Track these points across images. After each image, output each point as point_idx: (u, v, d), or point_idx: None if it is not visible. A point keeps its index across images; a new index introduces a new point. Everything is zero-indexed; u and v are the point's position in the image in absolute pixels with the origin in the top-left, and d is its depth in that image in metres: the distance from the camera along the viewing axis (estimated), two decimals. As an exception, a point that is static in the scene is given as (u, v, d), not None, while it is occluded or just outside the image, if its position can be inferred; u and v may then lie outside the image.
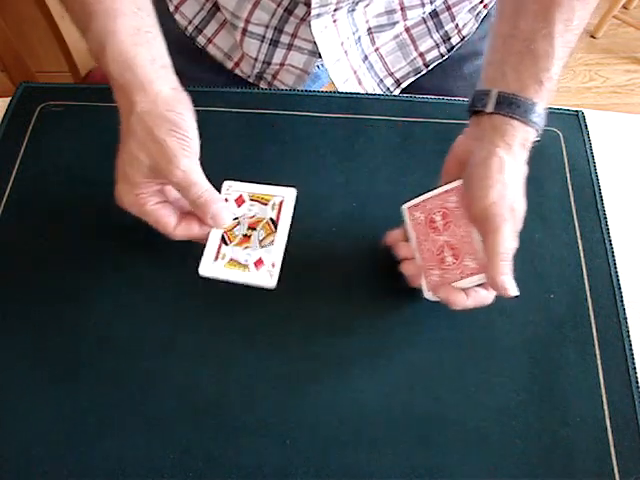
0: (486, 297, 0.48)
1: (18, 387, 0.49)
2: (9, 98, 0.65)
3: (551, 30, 0.48)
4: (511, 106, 0.47)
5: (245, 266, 0.48)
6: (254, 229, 0.49)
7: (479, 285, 0.48)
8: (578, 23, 0.49)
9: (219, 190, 0.49)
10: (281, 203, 0.49)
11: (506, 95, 0.48)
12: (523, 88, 0.48)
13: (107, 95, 0.65)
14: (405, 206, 0.51)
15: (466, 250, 0.47)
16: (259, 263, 0.48)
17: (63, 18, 0.87)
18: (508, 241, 0.46)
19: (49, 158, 0.60)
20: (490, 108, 0.48)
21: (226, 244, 0.49)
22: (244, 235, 0.49)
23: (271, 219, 0.49)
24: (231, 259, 0.48)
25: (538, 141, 0.50)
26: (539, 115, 0.48)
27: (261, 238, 0.48)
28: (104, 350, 0.51)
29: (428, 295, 0.49)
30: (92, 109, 0.64)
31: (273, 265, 0.47)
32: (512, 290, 0.45)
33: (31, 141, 0.61)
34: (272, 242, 0.48)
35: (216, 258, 0.48)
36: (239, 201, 0.50)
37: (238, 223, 0.49)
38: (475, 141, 0.49)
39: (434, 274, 0.48)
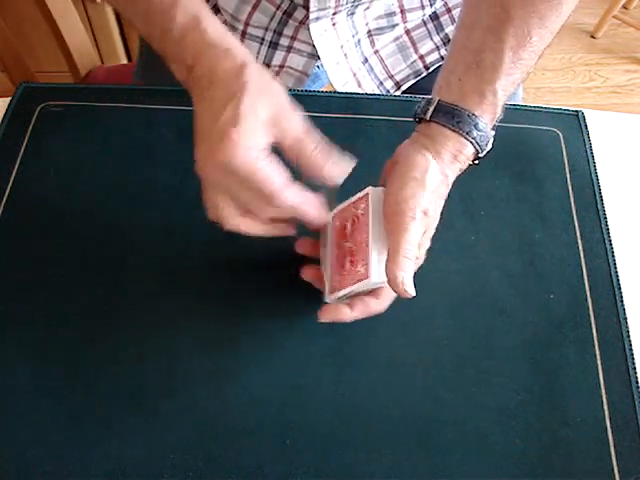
0: (375, 307, 0.47)
1: (18, 387, 0.49)
2: (9, 98, 0.64)
3: (502, 45, 0.47)
4: (447, 115, 0.47)
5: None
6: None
7: (370, 294, 0.47)
8: (537, 40, 0.48)
9: None
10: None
11: (445, 104, 0.47)
12: (463, 98, 0.47)
13: (107, 95, 0.65)
14: (329, 215, 0.51)
15: (361, 256, 0.46)
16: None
17: (63, 18, 0.86)
18: (413, 241, 0.44)
19: (49, 158, 0.60)
20: (428, 116, 0.48)
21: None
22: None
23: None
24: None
25: (478, 159, 0.49)
26: (478, 129, 0.47)
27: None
28: (104, 350, 0.51)
29: (328, 299, 0.49)
30: (92, 109, 0.64)
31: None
32: (410, 289, 0.43)
33: (31, 141, 0.61)
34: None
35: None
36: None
37: None
38: (408, 143, 0.49)
39: (335, 280, 0.48)
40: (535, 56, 0.49)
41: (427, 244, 0.48)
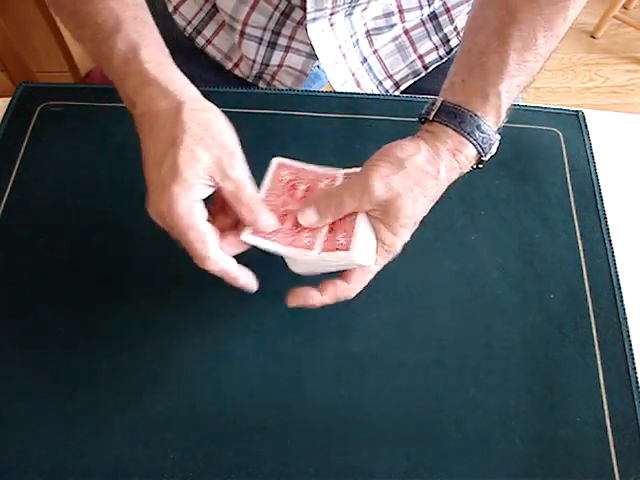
0: (345, 291, 0.47)
1: (18, 387, 0.49)
2: (9, 98, 0.64)
3: (506, 47, 0.47)
4: (449, 115, 0.47)
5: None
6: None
7: (341, 276, 0.46)
8: (543, 43, 0.48)
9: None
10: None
11: (448, 105, 0.47)
12: (466, 99, 0.47)
13: (107, 95, 0.65)
14: (276, 160, 0.51)
15: (344, 227, 0.45)
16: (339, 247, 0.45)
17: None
18: (351, 198, 0.44)
19: (49, 158, 0.60)
20: (432, 116, 0.48)
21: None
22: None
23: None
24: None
25: (482, 162, 0.49)
26: (480, 130, 0.47)
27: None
28: (104, 350, 0.51)
29: (244, 236, 0.46)
30: (92, 109, 0.64)
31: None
32: (305, 219, 0.45)
33: (31, 141, 0.61)
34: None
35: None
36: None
37: None
38: (409, 137, 0.48)
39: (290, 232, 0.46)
40: (541, 59, 0.49)
41: (400, 238, 0.47)
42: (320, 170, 0.49)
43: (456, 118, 0.47)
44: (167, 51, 0.49)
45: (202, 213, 0.43)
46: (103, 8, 0.47)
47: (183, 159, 0.42)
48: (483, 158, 0.48)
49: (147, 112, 0.45)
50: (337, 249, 0.44)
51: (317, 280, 0.47)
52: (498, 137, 0.48)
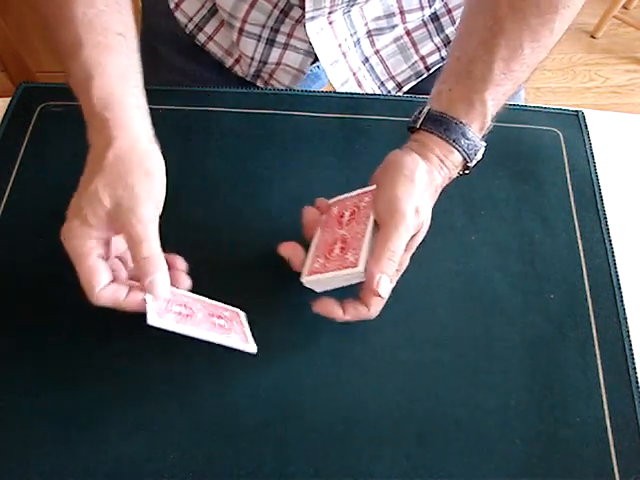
0: (365, 314, 0.47)
1: (18, 387, 0.49)
2: (9, 98, 0.64)
3: (493, 56, 0.48)
4: (435, 122, 0.48)
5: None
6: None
7: (361, 302, 0.47)
8: (530, 53, 0.49)
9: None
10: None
11: (434, 113, 0.49)
12: (451, 107, 0.48)
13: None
14: (330, 202, 0.53)
15: (354, 245, 0.47)
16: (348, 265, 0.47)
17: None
18: (401, 243, 0.45)
19: (49, 158, 0.60)
20: (418, 124, 0.49)
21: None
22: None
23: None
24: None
25: (468, 168, 0.50)
26: (465, 137, 0.48)
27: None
28: (104, 350, 0.51)
29: (304, 280, 0.48)
30: (92, 109, 0.64)
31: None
32: (383, 292, 0.44)
33: (31, 141, 0.61)
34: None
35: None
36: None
37: None
38: (399, 150, 0.49)
39: (318, 261, 0.48)
40: (527, 69, 0.50)
41: (413, 248, 0.48)
42: (358, 192, 0.51)
43: (442, 125, 0.48)
44: (132, 78, 0.48)
45: (96, 250, 0.44)
46: (68, 30, 0.47)
47: (87, 199, 0.43)
48: (469, 164, 0.49)
49: (90, 144, 0.46)
50: (347, 267, 0.46)
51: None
52: (483, 144, 0.49)
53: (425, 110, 0.49)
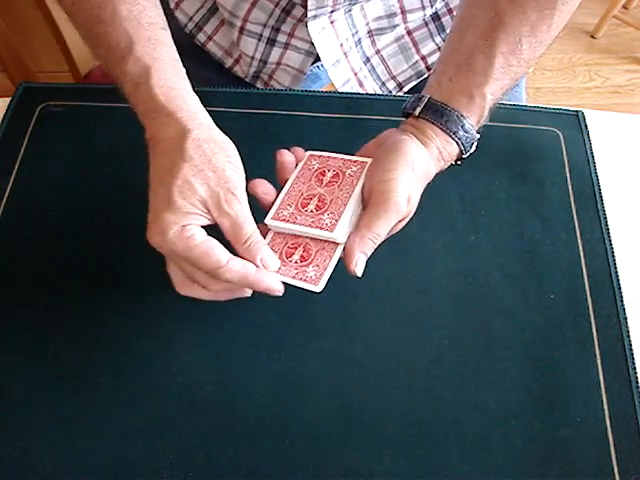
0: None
1: (18, 387, 0.49)
2: (9, 98, 0.64)
3: (493, 50, 0.48)
4: (436, 113, 0.48)
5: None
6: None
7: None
8: (527, 49, 0.49)
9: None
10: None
11: (434, 102, 0.49)
12: (452, 99, 0.48)
13: (107, 95, 0.65)
14: (308, 152, 0.51)
15: (332, 209, 0.46)
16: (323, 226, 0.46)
17: (63, 19, 0.87)
18: (387, 226, 0.45)
19: (49, 158, 0.60)
20: (417, 112, 0.49)
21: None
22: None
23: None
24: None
25: (461, 159, 0.50)
26: (464, 130, 0.48)
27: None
28: (104, 351, 0.51)
29: (269, 222, 0.47)
30: (92, 109, 0.64)
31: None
32: (359, 272, 0.44)
33: (31, 141, 0.61)
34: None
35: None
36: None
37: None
38: (398, 132, 0.49)
39: (288, 209, 0.47)
40: (524, 64, 0.50)
41: (392, 233, 0.48)
42: (346, 157, 0.50)
43: (443, 117, 0.48)
44: (183, 71, 0.48)
45: (199, 232, 0.42)
46: (115, 29, 0.46)
47: (178, 188, 0.42)
48: (463, 155, 0.50)
49: (153, 138, 0.45)
50: (321, 228, 0.46)
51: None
52: (478, 136, 0.49)
53: (425, 98, 0.49)
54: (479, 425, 0.49)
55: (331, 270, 0.45)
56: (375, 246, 0.45)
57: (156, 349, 0.51)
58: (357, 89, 0.71)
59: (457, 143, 0.48)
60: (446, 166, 0.50)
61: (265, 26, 0.67)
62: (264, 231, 0.47)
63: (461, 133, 0.48)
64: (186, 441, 0.47)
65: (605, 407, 0.50)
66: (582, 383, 0.51)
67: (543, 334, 0.53)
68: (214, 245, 0.42)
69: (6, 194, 0.58)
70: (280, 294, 0.44)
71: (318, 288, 0.44)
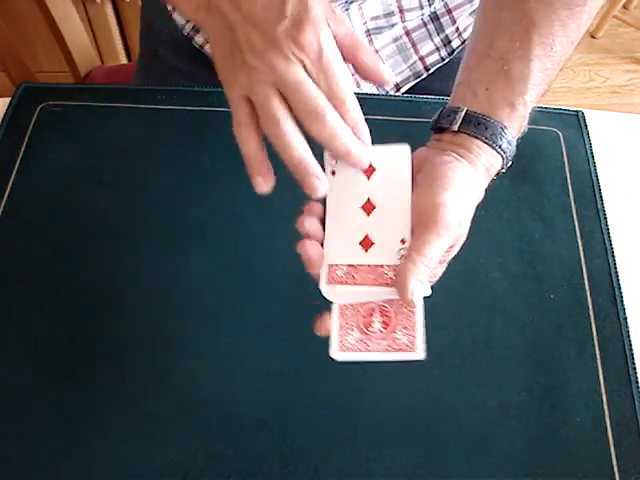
0: None
1: (18, 387, 0.49)
2: (9, 98, 0.64)
3: (528, 53, 0.45)
4: (478, 126, 0.44)
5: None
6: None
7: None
8: (560, 51, 0.46)
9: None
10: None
11: (474, 114, 0.44)
12: (493, 110, 0.45)
13: (107, 95, 0.65)
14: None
15: (401, 322, 0.40)
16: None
17: (63, 18, 0.86)
18: (440, 249, 0.40)
19: (49, 158, 0.60)
20: (456, 126, 0.44)
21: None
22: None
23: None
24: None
25: (501, 173, 0.47)
26: (508, 142, 0.44)
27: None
28: (104, 350, 0.51)
29: (323, 287, 0.41)
30: (92, 109, 0.64)
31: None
32: (417, 301, 0.39)
33: (31, 141, 0.61)
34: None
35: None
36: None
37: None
38: (437, 151, 0.45)
39: (351, 337, 0.40)
40: (558, 67, 0.47)
41: (447, 260, 0.44)
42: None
43: (487, 130, 0.44)
44: None
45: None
46: None
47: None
48: (502, 170, 0.46)
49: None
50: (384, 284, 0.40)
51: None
52: (515, 148, 0.46)
53: (462, 110, 0.45)
54: (479, 425, 0.49)
55: (421, 328, 0.39)
56: (429, 272, 0.39)
57: (156, 349, 0.51)
58: (354, 89, 0.70)
59: (502, 157, 0.45)
60: (490, 180, 0.46)
61: None
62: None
63: (505, 146, 0.44)
64: (186, 441, 0.47)
65: (605, 407, 0.50)
66: (582, 383, 0.51)
67: (543, 334, 0.53)
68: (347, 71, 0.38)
69: (6, 194, 0.58)
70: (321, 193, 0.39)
71: (419, 355, 0.39)
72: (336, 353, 0.40)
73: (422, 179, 0.43)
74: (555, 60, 0.46)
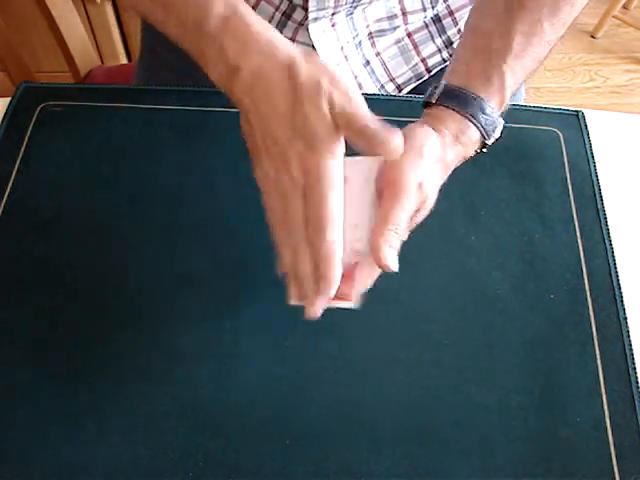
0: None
1: (18, 387, 0.49)
2: (9, 98, 0.64)
3: (511, 30, 0.47)
4: (453, 98, 0.47)
5: None
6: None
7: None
8: (548, 28, 0.47)
9: None
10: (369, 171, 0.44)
11: (451, 87, 0.47)
12: (469, 81, 0.47)
13: (107, 95, 0.65)
14: None
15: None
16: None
17: (63, 18, 0.86)
18: (403, 213, 0.42)
19: (49, 158, 0.60)
20: (434, 99, 0.47)
21: None
22: None
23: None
24: None
25: (485, 146, 0.49)
26: (482, 110, 0.46)
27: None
28: (104, 350, 0.51)
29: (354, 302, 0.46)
30: (92, 109, 0.64)
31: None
32: (392, 264, 0.42)
33: (31, 141, 0.61)
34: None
35: None
36: None
37: None
38: (416, 125, 0.47)
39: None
40: (547, 45, 0.48)
41: (413, 226, 0.46)
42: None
43: (460, 100, 0.46)
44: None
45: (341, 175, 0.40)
46: None
47: (303, 115, 0.39)
48: (487, 142, 0.48)
49: (258, 75, 0.40)
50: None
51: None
52: (502, 121, 0.48)
53: (441, 85, 0.48)
54: (479, 425, 0.49)
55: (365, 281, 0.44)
56: (399, 238, 0.43)
57: (156, 349, 0.51)
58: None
59: (476, 126, 0.46)
60: (470, 153, 0.48)
61: None
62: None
63: (480, 116, 0.46)
64: (186, 441, 0.47)
65: (605, 407, 0.50)
66: (582, 383, 0.51)
67: (543, 334, 0.53)
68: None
69: (6, 194, 0.58)
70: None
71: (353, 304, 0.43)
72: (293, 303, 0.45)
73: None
74: (543, 38, 0.48)
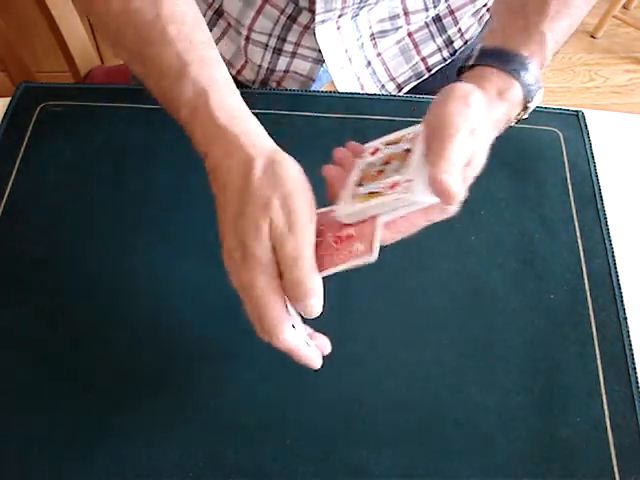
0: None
1: (18, 387, 0.49)
2: (9, 98, 0.64)
3: None
4: (491, 56, 0.45)
5: (379, 193, 0.40)
6: (388, 163, 0.43)
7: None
8: (579, 5, 0.47)
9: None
10: (413, 137, 0.43)
11: (488, 48, 0.46)
12: (508, 41, 0.46)
13: (107, 95, 0.65)
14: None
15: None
16: (394, 185, 0.40)
17: (63, 18, 0.86)
18: (458, 152, 0.39)
19: (49, 158, 0.60)
20: (472, 61, 0.46)
21: (361, 185, 0.42)
22: (378, 171, 0.42)
23: (406, 150, 0.42)
24: (366, 193, 0.41)
25: (526, 110, 0.46)
26: (527, 69, 0.44)
27: (395, 167, 0.41)
28: (104, 351, 0.51)
29: (339, 210, 0.42)
30: (92, 109, 0.64)
31: (407, 181, 0.40)
32: (458, 194, 0.38)
33: (31, 141, 0.61)
34: (407, 164, 0.41)
35: (353, 198, 0.42)
36: (374, 152, 0.45)
37: (373, 166, 0.43)
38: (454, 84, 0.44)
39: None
40: (584, 5, 0.48)
41: (469, 179, 0.43)
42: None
43: (500, 57, 0.44)
44: (237, 91, 0.45)
45: (272, 285, 0.39)
46: (167, 51, 0.43)
47: (245, 229, 0.39)
48: (529, 104, 0.46)
49: (217, 167, 0.42)
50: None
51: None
52: (542, 84, 0.46)
53: (477, 48, 0.46)
54: (479, 425, 0.49)
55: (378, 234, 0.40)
56: (458, 169, 0.39)
57: (156, 348, 0.51)
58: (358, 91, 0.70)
59: (520, 83, 0.44)
60: (512, 116, 0.46)
61: (271, 36, 0.66)
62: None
63: (523, 73, 0.44)
64: (186, 441, 0.47)
65: (605, 407, 0.50)
66: (582, 383, 0.51)
67: (543, 334, 0.53)
68: (279, 300, 0.39)
69: (6, 194, 0.58)
70: (316, 367, 0.43)
71: (373, 257, 0.40)
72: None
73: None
74: (572, 13, 0.47)
